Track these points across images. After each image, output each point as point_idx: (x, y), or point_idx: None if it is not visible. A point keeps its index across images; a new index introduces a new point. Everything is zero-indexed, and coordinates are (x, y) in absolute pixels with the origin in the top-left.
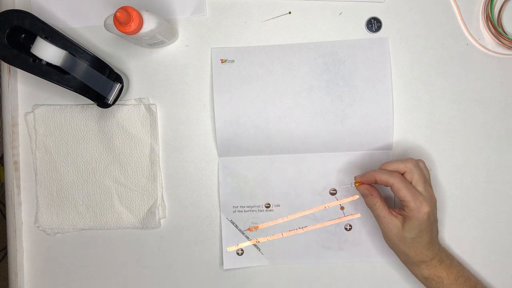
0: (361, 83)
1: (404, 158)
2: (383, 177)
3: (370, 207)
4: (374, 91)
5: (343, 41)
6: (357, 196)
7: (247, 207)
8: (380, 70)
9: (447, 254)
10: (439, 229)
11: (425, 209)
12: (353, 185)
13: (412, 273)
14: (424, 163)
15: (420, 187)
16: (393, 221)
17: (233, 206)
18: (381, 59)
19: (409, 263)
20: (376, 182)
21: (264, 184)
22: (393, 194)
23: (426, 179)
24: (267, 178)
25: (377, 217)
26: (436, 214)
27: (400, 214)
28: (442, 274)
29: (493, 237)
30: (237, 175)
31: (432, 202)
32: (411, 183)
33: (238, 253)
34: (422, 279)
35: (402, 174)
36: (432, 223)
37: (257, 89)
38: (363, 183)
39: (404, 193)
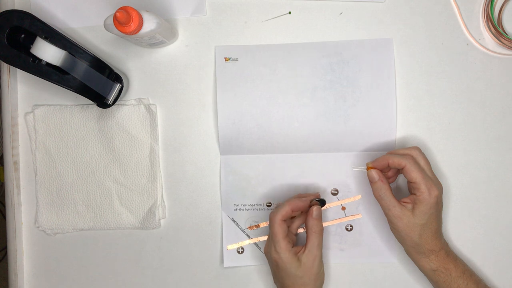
0: (365, 83)
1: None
2: (395, 160)
3: (378, 196)
4: (378, 92)
5: (347, 41)
6: (358, 197)
7: (248, 205)
8: (384, 71)
9: (450, 248)
10: None
11: (435, 192)
12: (366, 169)
13: (420, 266)
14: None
15: (428, 172)
16: (402, 210)
17: (235, 204)
18: (385, 60)
19: (419, 253)
20: (388, 166)
21: (266, 183)
22: (394, 185)
23: (430, 167)
24: (269, 177)
25: (385, 208)
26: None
27: (409, 202)
28: (450, 266)
29: (493, 237)
30: (239, 174)
31: (440, 187)
32: None
33: (238, 251)
34: (430, 272)
35: None
36: (439, 210)
37: (260, 88)
38: (374, 168)
39: (416, 174)
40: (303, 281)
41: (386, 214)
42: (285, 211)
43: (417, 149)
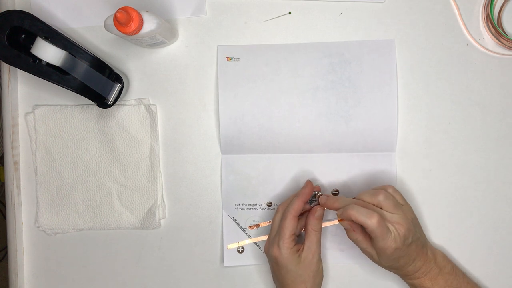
0: (366, 84)
1: (377, 188)
2: (360, 219)
3: (353, 240)
4: (379, 93)
5: (349, 42)
6: None
7: (249, 205)
8: (386, 73)
9: (436, 262)
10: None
11: (392, 246)
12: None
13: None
14: (393, 188)
15: (400, 201)
16: (373, 251)
17: (235, 204)
18: (387, 62)
19: (399, 275)
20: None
21: (267, 183)
22: None
23: (396, 203)
24: (270, 177)
25: (360, 248)
26: (416, 232)
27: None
28: (427, 285)
29: (493, 237)
30: (240, 173)
31: (399, 237)
32: (381, 209)
33: (238, 251)
34: (410, 285)
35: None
36: (405, 250)
37: (262, 88)
38: (344, 220)
39: (375, 234)
40: (303, 278)
41: (363, 252)
42: (297, 205)
43: (391, 187)
